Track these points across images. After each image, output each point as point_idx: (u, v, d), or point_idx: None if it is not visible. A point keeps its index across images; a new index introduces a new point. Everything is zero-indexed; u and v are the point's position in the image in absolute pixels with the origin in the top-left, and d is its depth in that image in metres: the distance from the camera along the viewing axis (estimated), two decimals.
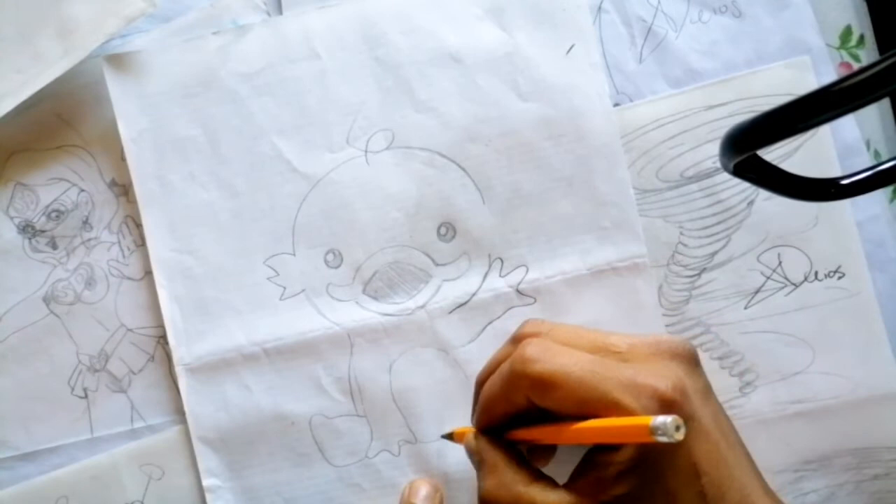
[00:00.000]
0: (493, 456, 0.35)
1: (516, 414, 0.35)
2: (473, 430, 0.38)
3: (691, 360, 0.34)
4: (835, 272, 0.44)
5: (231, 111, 0.45)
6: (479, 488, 0.35)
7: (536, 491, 0.33)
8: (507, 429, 0.37)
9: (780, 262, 0.44)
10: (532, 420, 0.35)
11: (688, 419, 0.31)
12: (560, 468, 0.35)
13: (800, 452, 0.44)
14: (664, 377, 0.32)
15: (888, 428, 0.43)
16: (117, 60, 0.45)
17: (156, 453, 0.44)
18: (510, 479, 0.34)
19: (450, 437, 0.42)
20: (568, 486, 0.33)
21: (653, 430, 0.28)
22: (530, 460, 0.36)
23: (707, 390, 0.34)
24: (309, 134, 0.45)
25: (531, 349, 0.34)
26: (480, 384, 0.38)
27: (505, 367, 0.35)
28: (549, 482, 0.34)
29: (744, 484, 0.32)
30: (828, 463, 0.43)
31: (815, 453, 0.43)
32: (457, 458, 0.44)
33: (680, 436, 0.27)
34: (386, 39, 0.45)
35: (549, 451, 0.39)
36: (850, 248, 0.44)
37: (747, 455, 0.34)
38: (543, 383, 0.32)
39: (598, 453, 0.33)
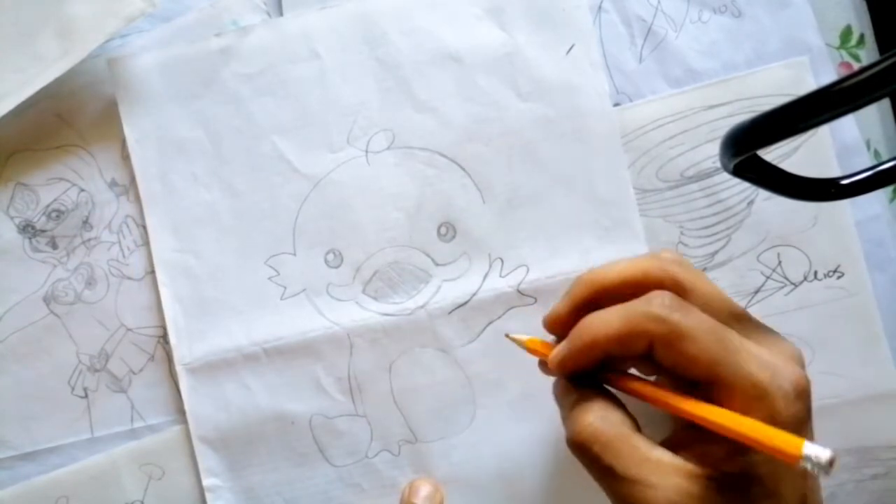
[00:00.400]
0: (595, 394, 0.32)
1: (610, 362, 0.33)
2: (552, 348, 0.34)
3: (804, 366, 0.32)
4: (834, 272, 0.44)
5: (232, 112, 0.45)
6: (576, 422, 0.31)
7: (641, 441, 0.30)
8: (597, 374, 0.33)
9: (779, 262, 0.44)
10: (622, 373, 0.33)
11: (810, 414, 0.30)
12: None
13: None
14: (800, 366, 0.30)
15: (887, 427, 0.43)
16: (122, 63, 0.45)
17: (156, 453, 0.44)
18: (616, 418, 0.31)
19: (527, 346, 0.37)
20: (668, 446, 0.31)
21: (804, 458, 0.25)
22: None
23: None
24: (309, 134, 0.45)
25: (670, 298, 0.31)
26: (587, 287, 0.34)
27: (636, 305, 0.31)
28: (650, 438, 0.31)
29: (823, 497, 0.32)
30: None
31: None
32: (457, 457, 0.44)
33: (830, 473, 0.25)
34: (386, 40, 0.45)
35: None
36: (849, 248, 0.44)
37: None
38: (680, 334, 0.29)
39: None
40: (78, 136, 0.46)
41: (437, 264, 0.44)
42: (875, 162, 0.45)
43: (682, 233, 0.44)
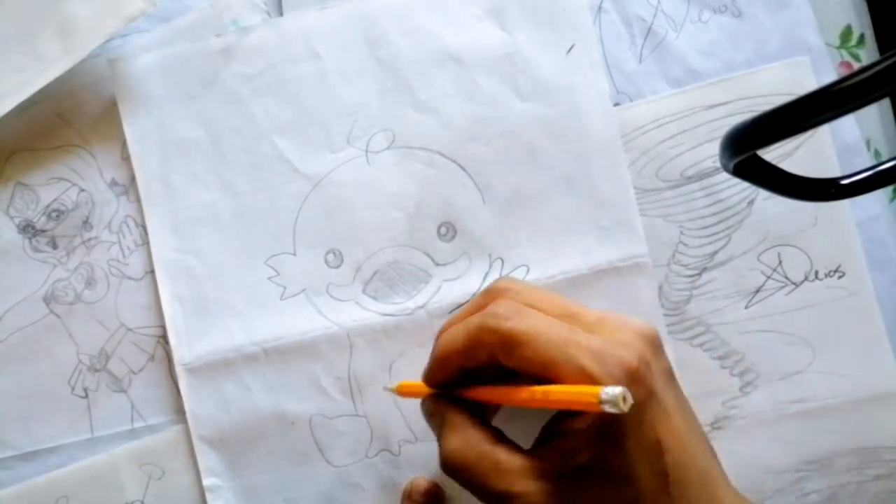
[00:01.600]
0: (455, 414, 0.35)
1: (467, 372, 0.35)
2: (425, 386, 0.37)
3: (655, 342, 0.34)
4: (835, 271, 0.44)
5: (233, 112, 0.45)
6: (442, 448, 0.34)
7: (502, 452, 0.32)
8: (454, 387, 0.36)
9: (780, 262, 0.44)
10: (481, 381, 0.35)
11: (650, 395, 0.31)
12: (517, 434, 0.35)
13: (801, 452, 0.44)
14: (631, 350, 0.31)
15: (889, 428, 0.43)
16: (123, 63, 0.45)
17: (156, 453, 0.44)
18: (475, 438, 0.33)
19: (399, 391, 0.40)
20: (531, 452, 0.33)
21: (602, 400, 0.28)
22: None
23: (671, 373, 0.34)
24: (310, 134, 0.45)
25: (504, 307, 0.33)
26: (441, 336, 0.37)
27: (473, 320, 0.34)
28: (513, 445, 0.33)
29: (706, 468, 0.32)
30: (829, 463, 0.43)
31: (816, 453, 0.43)
32: None
33: (626, 407, 0.28)
34: (386, 40, 0.45)
35: (491, 413, 0.39)
36: (849, 248, 0.44)
37: (708, 443, 0.34)
38: (512, 340, 0.32)
39: (561, 421, 0.33)
40: (78, 136, 0.46)
41: (437, 264, 0.44)
42: (875, 162, 0.45)
43: (682, 232, 0.44)
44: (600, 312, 0.34)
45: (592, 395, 0.29)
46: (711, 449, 0.34)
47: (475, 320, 0.34)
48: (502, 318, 0.32)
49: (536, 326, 0.32)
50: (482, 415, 0.35)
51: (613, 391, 0.28)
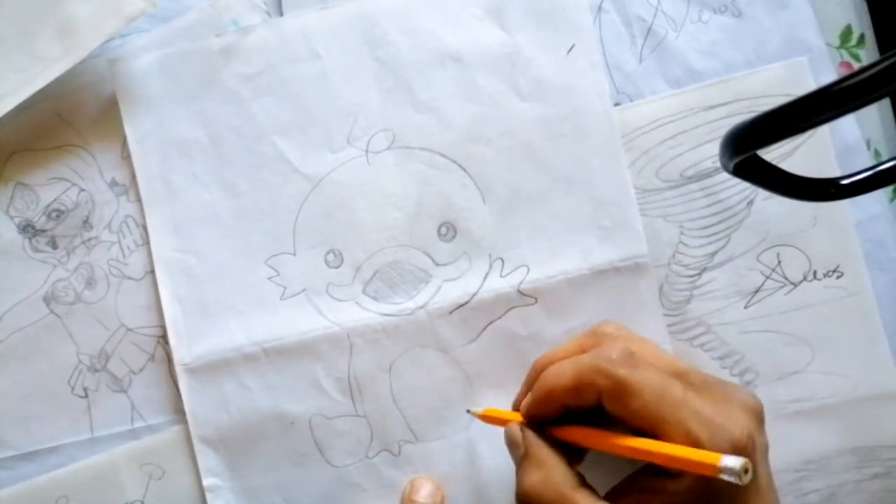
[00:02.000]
0: (542, 450, 0.34)
1: (568, 411, 0.35)
2: (517, 416, 0.37)
3: (760, 418, 0.34)
4: (833, 271, 0.44)
5: (233, 112, 0.45)
6: (521, 481, 0.34)
7: (583, 497, 0.32)
8: (550, 424, 0.36)
9: (779, 262, 0.44)
10: (577, 422, 0.35)
11: (755, 451, 0.31)
12: (595, 482, 0.34)
13: (800, 452, 0.44)
14: (739, 425, 0.32)
15: (887, 427, 0.43)
16: (123, 63, 0.45)
17: (156, 453, 0.44)
18: (558, 478, 0.33)
19: (484, 417, 0.40)
20: (612, 499, 0.33)
21: (721, 469, 0.28)
22: None
23: (767, 451, 0.34)
24: (310, 134, 0.45)
25: (619, 352, 0.33)
26: (540, 370, 0.37)
27: (585, 359, 0.34)
28: (593, 491, 0.33)
29: None
30: (828, 462, 0.43)
31: (815, 453, 0.44)
32: (457, 457, 0.44)
33: (747, 479, 0.28)
34: (386, 40, 0.45)
35: (576, 459, 0.38)
36: (848, 248, 0.44)
37: None
38: (625, 389, 0.32)
39: (651, 477, 0.33)
40: (78, 136, 0.46)
41: (437, 264, 0.44)
42: (875, 162, 0.45)
43: (681, 232, 0.44)
44: (706, 376, 0.35)
45: (712, 461, 0.29)
46: None
47: (587, 360, 0.34)
48: (617, 363, 0.33)
49: (651, 381, 0.32)
50: (568, 456, 0.35)
51: (736, 461, 0.28)
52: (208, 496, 0.44)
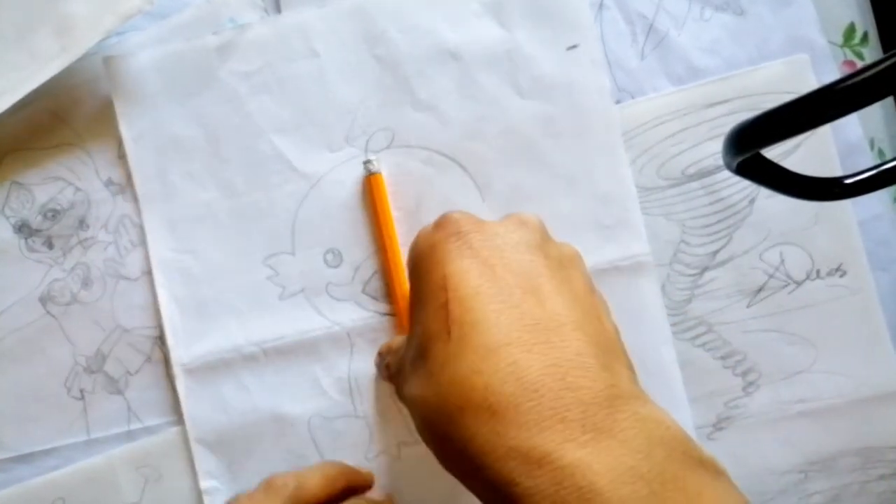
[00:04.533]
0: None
1: None
2: None
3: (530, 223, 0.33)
4: (836, 270, 0.44)
5: (230, 110, 0.45)
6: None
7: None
8: None
9: (782, 261, 0.44)
10: None
11: (454, 238, 0.30)
12: None
13: (804, 453, 0.43)
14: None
15: (892, 427, 0.43)
16: (119, 61, 0.45)
17: (153, 455, 0.44)
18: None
19: None
20: None
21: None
22: None
23: (521, 247, 0.31)
24: (308, 133, 0.45)
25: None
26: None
27: None
28: None
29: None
30: (833, 463, 0.43)
31: (819, 453, 0.43)
32: None
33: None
34: (385, 37, 0.45)
35: None
36: (851, 246, 0.44)
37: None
38: None
39: None
40: (74, 135, 0.46)
41: None
42: (879, 161, 0.45)
43: (683, 231, 0.44)
44: None
45: None
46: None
47: None
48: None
49: None
50: None
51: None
52: (206, 498, 0.44)
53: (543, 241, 0.32)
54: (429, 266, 0.30)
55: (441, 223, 0.31)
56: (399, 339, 0.37)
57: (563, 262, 0.32)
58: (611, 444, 0.24)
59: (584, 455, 0.24)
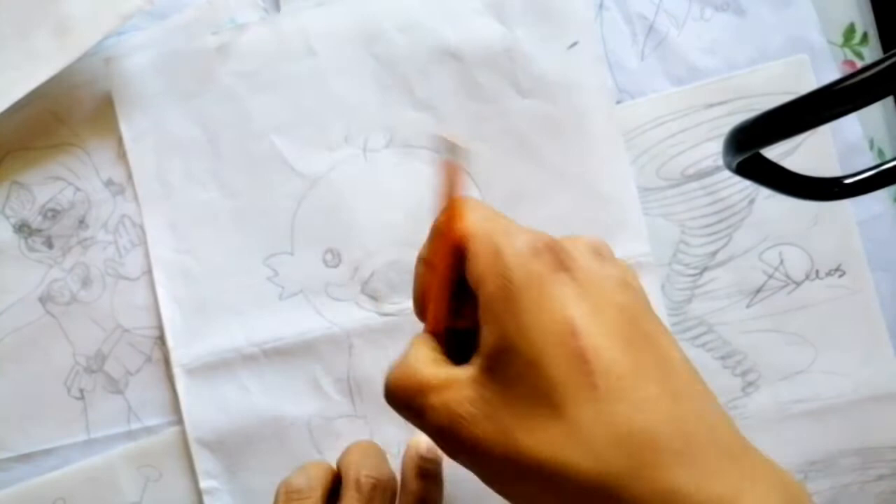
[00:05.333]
0: (417, 341, 0.32)
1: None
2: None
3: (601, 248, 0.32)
4: (836, 270, 0.44)
5: (230, 110, 0.45)
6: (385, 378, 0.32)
7: (428, 369, 0.30)
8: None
9: (781, 261, 0.44)
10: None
11: (562, 270, 0.27)
12: None
13: (804, 453, 0.43)
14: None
15: (892, 427, 0.43)
16: (118, 61, 0.45)
17: (153, 455, 0.44)
18: (416, 363, 0.31)
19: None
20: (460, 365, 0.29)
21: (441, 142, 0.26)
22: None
23: (625, 282, 0.29)
24: (307, 132, 0.45)
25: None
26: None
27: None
28: (451, 362, 0.30)
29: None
30: (832, 463, 0.43)
31: (819, 454, 0.43)
32: None
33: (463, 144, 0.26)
34: (384, 36, 0.45)
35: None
36: (850, 247, 0.44)
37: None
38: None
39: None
40: (74, 135, 0.46)
41: None
42: (878, 161, 0.45)
43: (682, 231, 0.44)
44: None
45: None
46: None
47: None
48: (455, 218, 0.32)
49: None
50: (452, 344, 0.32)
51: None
52: (206, 498, 0.44)
53: (624, 273, 0.30)
54: (539, 302, 0.26)
55: (539, 249, 0.28)
56: (406, 372, 0.32)
57: (640, 292, 0.30)
58: (761, 488, 0.24)
59: (753, 498, 0.24)
